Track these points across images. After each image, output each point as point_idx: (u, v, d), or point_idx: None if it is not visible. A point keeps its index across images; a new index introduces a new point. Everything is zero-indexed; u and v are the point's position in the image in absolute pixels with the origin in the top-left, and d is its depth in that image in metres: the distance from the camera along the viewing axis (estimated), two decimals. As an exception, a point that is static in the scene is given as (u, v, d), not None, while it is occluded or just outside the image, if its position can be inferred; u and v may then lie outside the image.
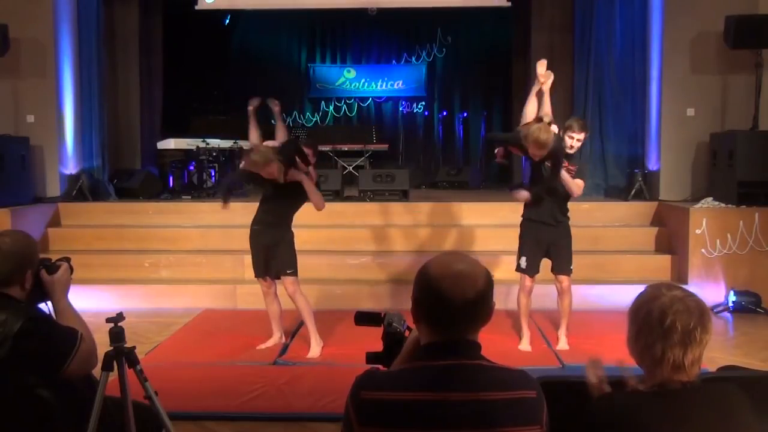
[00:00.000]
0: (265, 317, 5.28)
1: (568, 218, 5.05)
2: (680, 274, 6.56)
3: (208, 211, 7.73)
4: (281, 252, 4.95)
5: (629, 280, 6.42)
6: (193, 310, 6.24)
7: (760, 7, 7.12)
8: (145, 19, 10.27)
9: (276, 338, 5.22)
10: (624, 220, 7.39)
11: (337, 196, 8.39)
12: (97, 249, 7.20)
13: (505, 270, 5.44)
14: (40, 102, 7.82)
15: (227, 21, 13.12)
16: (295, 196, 4.96)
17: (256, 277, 5.10)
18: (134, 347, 2.58)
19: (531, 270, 5.01)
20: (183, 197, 8.52)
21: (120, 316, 2.52)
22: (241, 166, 5.41)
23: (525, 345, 5.14)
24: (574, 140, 4.87)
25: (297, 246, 5.04)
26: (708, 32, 7.18)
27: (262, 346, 5.14)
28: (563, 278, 5.03)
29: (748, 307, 6.14)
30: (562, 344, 5.13)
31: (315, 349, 5.00)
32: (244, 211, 7.38)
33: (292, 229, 5.04)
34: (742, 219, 6.33)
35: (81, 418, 2.30)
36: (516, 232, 5.15)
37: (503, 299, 5.71)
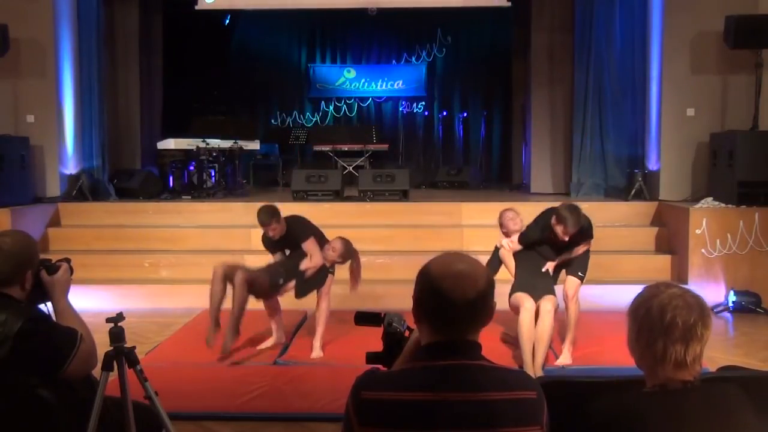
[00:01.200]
0: (265, 317, 5.28)
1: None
2: (680, 274, 6.56)
3: (208, 211, 7.74)
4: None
5: (629, 280, 6.42)
6: (193, 310, 6.23)
7: (760, 7, 7.12)
8: (145, 18, 10.27)
9: (276, 338, 5.22)
10: (624, 220, 7.39)
11: (337, 196, 8.38)
12: (96, 249, 7.19)
13: (505, 270, 5.42)
14: (40, 102, 7.82)
15: (227, 21, 13.11)
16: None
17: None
18: (134, 347, 2.58)
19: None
20: (183, 197, 8.51)
21: (120, 316, 2.52)
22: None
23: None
24: (565, 237, 4.59)
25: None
26: (708, 32, 7.18)
27: (263, 346, 5.14)
28: (571, 281, 4.83)
29: (748, 307, 6.14)
30: (565, 358, 4.80)
31: (318, 351, 5.00)
32: (244, 211, 7.41)
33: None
34: (742, 219, 6.33)
35: (81, 418, 2.30)
36: None
37: (503, 299, 5.70)
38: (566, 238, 4.61)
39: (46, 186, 7.88)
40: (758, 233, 6.29)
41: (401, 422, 1.54)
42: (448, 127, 13.32)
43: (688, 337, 1.62)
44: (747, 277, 6.32)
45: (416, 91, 13.75)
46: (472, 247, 6.82)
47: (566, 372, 4.58)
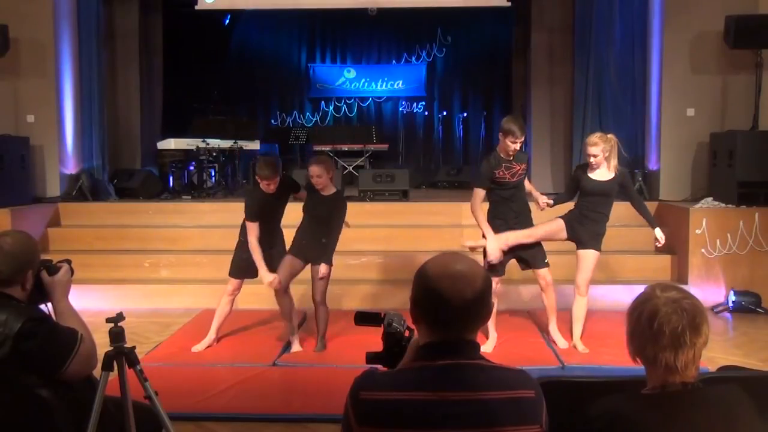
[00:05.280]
0: (264, 317, 5.28)
1: (529, 211, 5.06)
2: (680, 274, 6.56)
3: (208, 211, 7.74)
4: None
5: (629, 280, 6.42)
6: (193, 310, 6.24)
7: (760, 7, 7.12)
8: (145, 18, 10.27)
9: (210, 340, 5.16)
10: (624, 220, 7.35)
11: (337, 196, 8.38)
12: (97, 249, 7.19)
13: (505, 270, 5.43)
14: (40, 102, 7.82)
15: (227, 21, 13.12)
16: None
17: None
18: (134, 347, 2.58)
19: (495, 271, 4.82)
20: (183, 197, 8.52)
21: (120, 316, 2.53)
22: None
23: (488, 347, 4.98)
24: (517, 144, 4.72)
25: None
26: (708, 32, 7.18)
27: (198, 348, 5.07)
28: (543, 273, 4.93)
29: (748, 307, 6.14)
30: (561, 342, 5.04)
31: (297, 346, 5.05)
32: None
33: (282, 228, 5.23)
34: (742, 219, 6.33)
35: (81, 418, 2.30)
36: None
37: (503, 299, 5.71)
38: (517, 146, 4.74)
39: (46, 186, 7.88)
40: (758, 233, 6.30)
41: (400, 422, 1.54)
42: (447, 127, 13.33)
43: (677, 344, 1.61)
44: (747, 277, 6.32)
45: (416, 91, 13.76)
46: (472, 247, 6.82)
47: (566, 372, 4.58)
